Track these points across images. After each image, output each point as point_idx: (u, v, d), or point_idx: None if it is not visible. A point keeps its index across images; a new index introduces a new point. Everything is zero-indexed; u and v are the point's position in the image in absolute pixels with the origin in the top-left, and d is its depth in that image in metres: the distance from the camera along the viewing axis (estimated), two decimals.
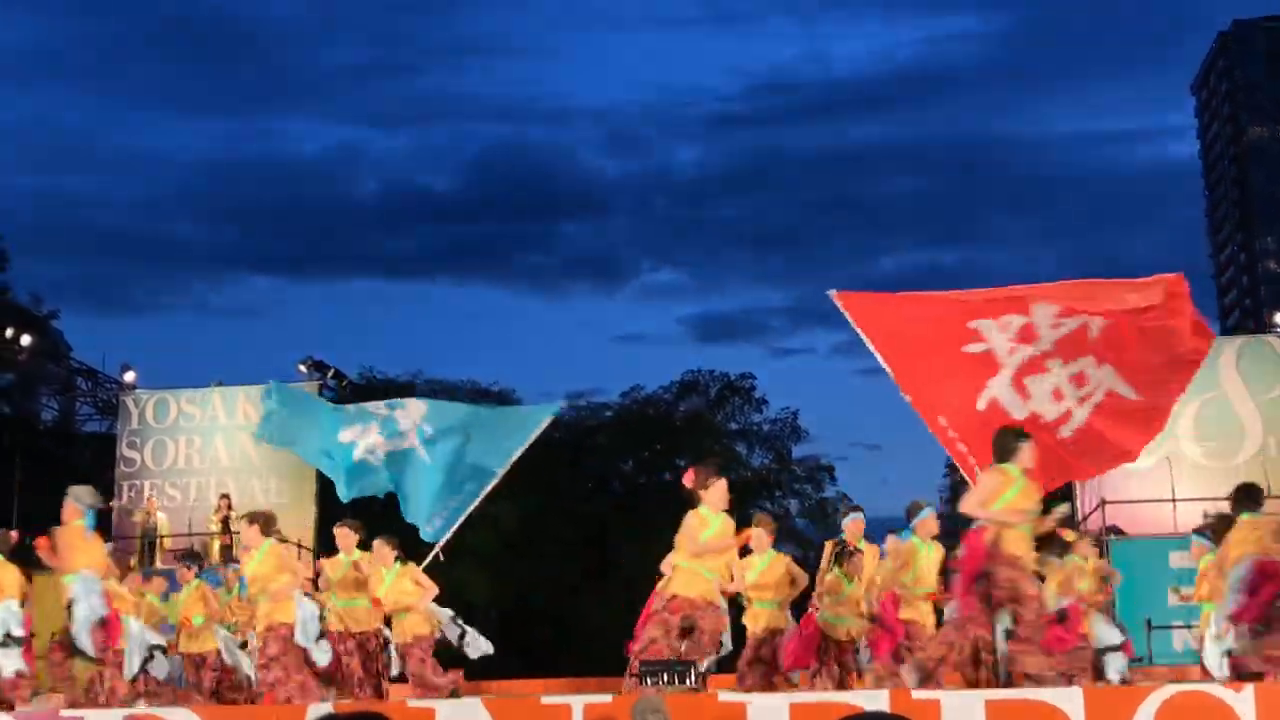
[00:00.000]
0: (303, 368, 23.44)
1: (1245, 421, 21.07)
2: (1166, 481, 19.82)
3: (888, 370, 11.06)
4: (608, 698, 7.29)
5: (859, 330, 11.15)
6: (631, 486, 39.98)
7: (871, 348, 11.10)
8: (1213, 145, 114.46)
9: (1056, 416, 10.81)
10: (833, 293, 11.25)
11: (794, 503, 40.85)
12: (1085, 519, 20.14)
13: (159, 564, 19.21)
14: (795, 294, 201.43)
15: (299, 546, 20.07)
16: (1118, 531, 19.13)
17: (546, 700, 7.27)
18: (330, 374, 23.42)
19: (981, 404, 10.71)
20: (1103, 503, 19.73)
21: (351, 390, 28.36)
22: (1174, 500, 19.47)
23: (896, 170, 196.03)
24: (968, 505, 8.41)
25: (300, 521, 21.24)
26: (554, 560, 32.85)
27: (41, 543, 10.91)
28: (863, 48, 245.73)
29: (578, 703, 7.11)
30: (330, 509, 21.55)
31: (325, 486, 19.74)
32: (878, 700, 7.02)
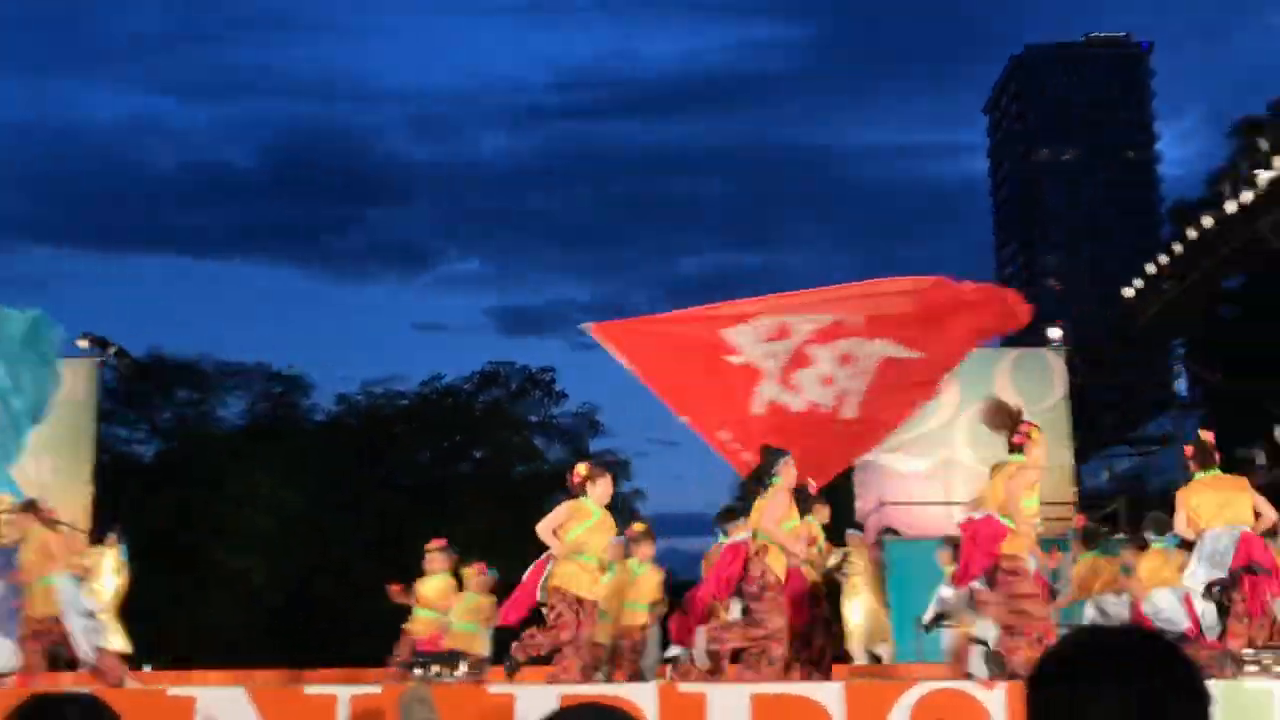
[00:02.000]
0: (82, 343, 22.45)
1: None
2: (942, 485, 20.52)
3: (658, 396, 11.15)
4: (376, 688, 7.19)
5: (622, 361, 11.15)
6: (427, 477, 39.62)
7: (638, 376, 11.14)
8: (1001, 164, 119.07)
9: (834, 402, 11.05)
10: (587, 326, 11.25)
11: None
12: (864, 520, 20.71)
13: None
14: (600, 289, 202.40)
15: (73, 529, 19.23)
16: (894, 532, 19.70)
17: (311, 690, 7.14)
18: (112, 351, 22.48)
19: (758, 408, 10.89)
20: (880, 504, 20.32)
21: (135, 369, 27.34)
22: (948, 504, 20.15)
23: (702, 172, 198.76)
24: (763, 524, 8.75)
25: (75, 502, 20.35)
26: (340, 549, 32.33)
27: None
28: (672, 48, 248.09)
29: (344, 693, 7.00)
30: (112, 490, 20.83)
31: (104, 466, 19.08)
32: (643, 694, 7.09)
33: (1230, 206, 20.40)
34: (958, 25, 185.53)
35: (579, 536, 9.08)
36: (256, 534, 31.91)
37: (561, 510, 9.35)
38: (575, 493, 9.43)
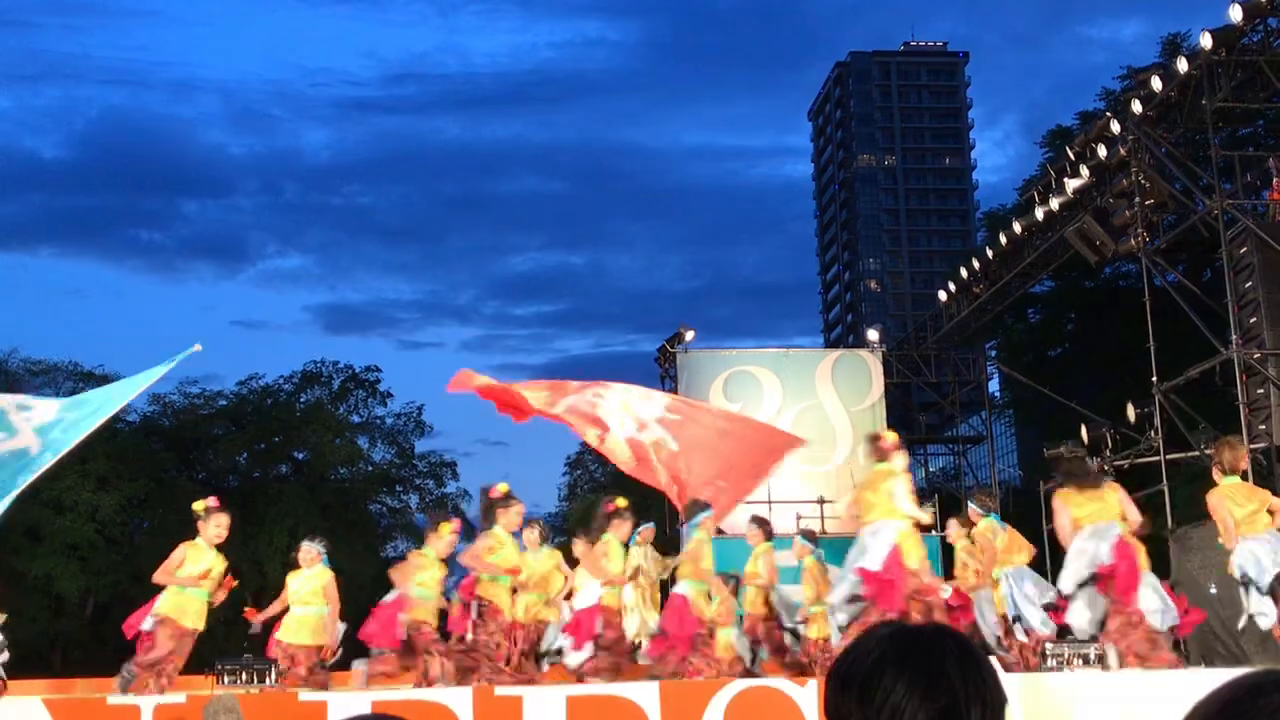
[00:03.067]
0: None
1: (837, 429, 22.45)
2: (764, 485, 20.84)
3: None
4: (181, 697, 6.96)
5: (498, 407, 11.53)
6: (246, 478, 38.70)
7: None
8: (825, 169, 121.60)
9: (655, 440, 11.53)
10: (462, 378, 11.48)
11: (414, 498, 40.65)
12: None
13: None
14: (426, 288, 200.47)
15: None
16: (718, 532, 19.90)
17: (114, 701, 6.88)
18: None
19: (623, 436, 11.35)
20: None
21: None
22: (770, 502, 20.49)
23: (529, 170, 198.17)
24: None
25: None
26: (156, 554, 31.37)
27: None
28: (501, 44, 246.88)
29: (148, 703, 6.77)
30: None
31: None
32: (459, 697, 7.02)
33: (1039, 213, 21.15)
34: (785, 31, 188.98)
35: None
36: (69, 540, 30.81)
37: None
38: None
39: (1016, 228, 22.04)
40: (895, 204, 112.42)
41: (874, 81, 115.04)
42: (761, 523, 13.07)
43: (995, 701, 1.72)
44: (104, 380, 38.24)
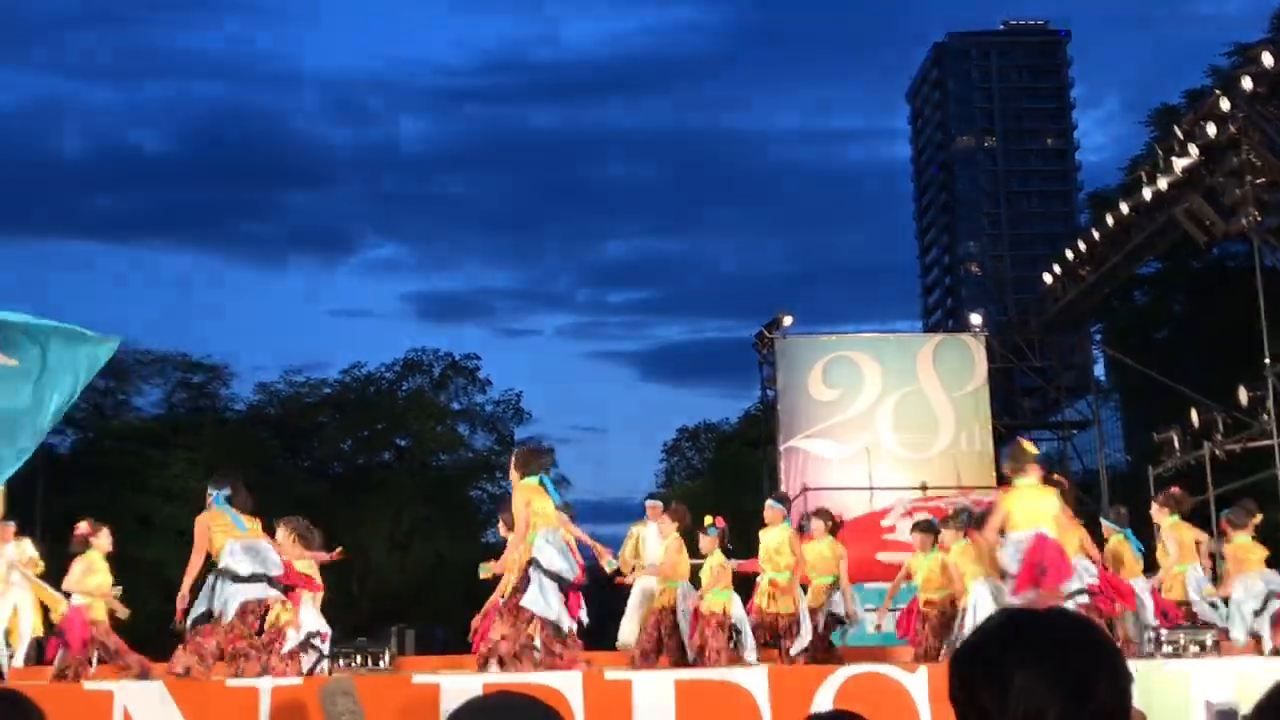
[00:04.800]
0: None
1: (939, 415, 22.21)
2: (865, 469, 20.73)
3: None
4: (297, 680, 7.11)
5: None
6: (350, 466, 39.32)
7: None
8: (924, 151, 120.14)
9: None
10: None
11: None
12: (789, 504, 20.86)
13: None
14: (522, 275, 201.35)
15: None
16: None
17: (233, 684, 7.05)
18: None
19: None
20: (805, 489, 20.47)
21: None
22: (871, 489, 20.38)
23: (624, 156, 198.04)
24: None
25: None
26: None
27: None
28: (593, 31, 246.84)
29: (265, 686, 6.92)
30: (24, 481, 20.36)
31: None
32: (570, 681, 7.09)
33: (1146, 193, 20.72)
34: (880, 12, 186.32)
35: None
36: (178, 527, 31.47)
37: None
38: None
39: (1123, 208, 21.59)
40: (995, 186, 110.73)
41: (973, 61, 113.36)
42: (823, 514, 12.98)
43: (1121, 677, 1.72)
44: (212, 370, 39.08)
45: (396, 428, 40.02)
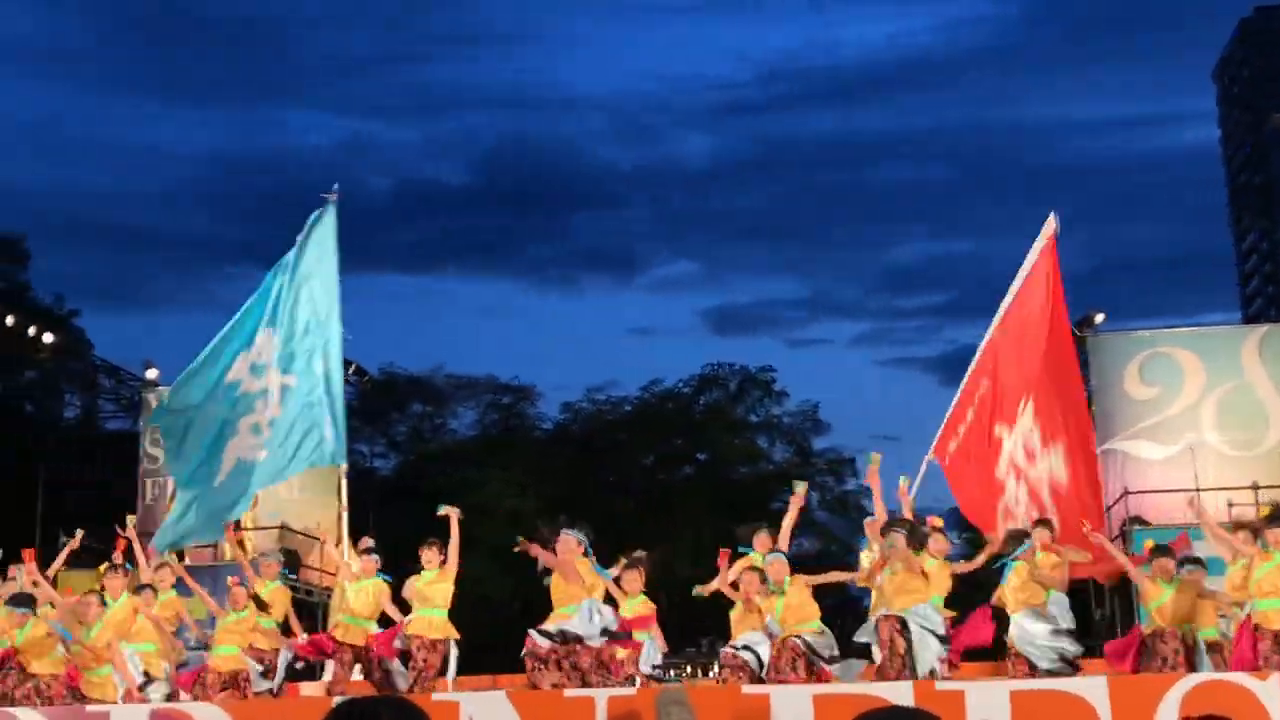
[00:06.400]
0: None
1: (1268, 410, 20.94)
2: (1189, 471, 19.72)
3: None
4: (631, 690, 7.28)
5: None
6: (652, 480, 39.95)
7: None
8: (1233, 133, 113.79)
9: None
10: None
11: (815, 495, 40.74)
12: (1108, 510, 20.04)
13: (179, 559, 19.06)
14: (810, 284, 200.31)
15: (322, 543, 19.99)
16: (1141, 522, 18.98)
17: (570, 694, 7.27)
18: (351, 369, 23.31)
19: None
20: (1125, 493, 19.65)
21: (373, 386, 28.21)
22: (1197, 490, 19.32)
23: (909, 157, 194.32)
24: None
25: (328, 516, 21.06)
26: None
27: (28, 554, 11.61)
28: (872, 33, 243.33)
29: (601, 696, 7.12)
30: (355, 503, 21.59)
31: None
32: (901, 692, 7.00)
33: None
34: None
35: None
36: (494, 543, 32.69)
37: None
38: None
39: None
40: None
41: None
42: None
43: None
44: (520, 391, 40.48)
45: (696, 442, 40.40)
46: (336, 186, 13.54)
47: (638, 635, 9.91)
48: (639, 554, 11.90)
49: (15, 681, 10.88)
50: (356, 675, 11.63)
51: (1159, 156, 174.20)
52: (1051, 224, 13.63)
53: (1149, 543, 12.27)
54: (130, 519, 13.49)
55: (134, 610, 11.79)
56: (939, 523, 10.97)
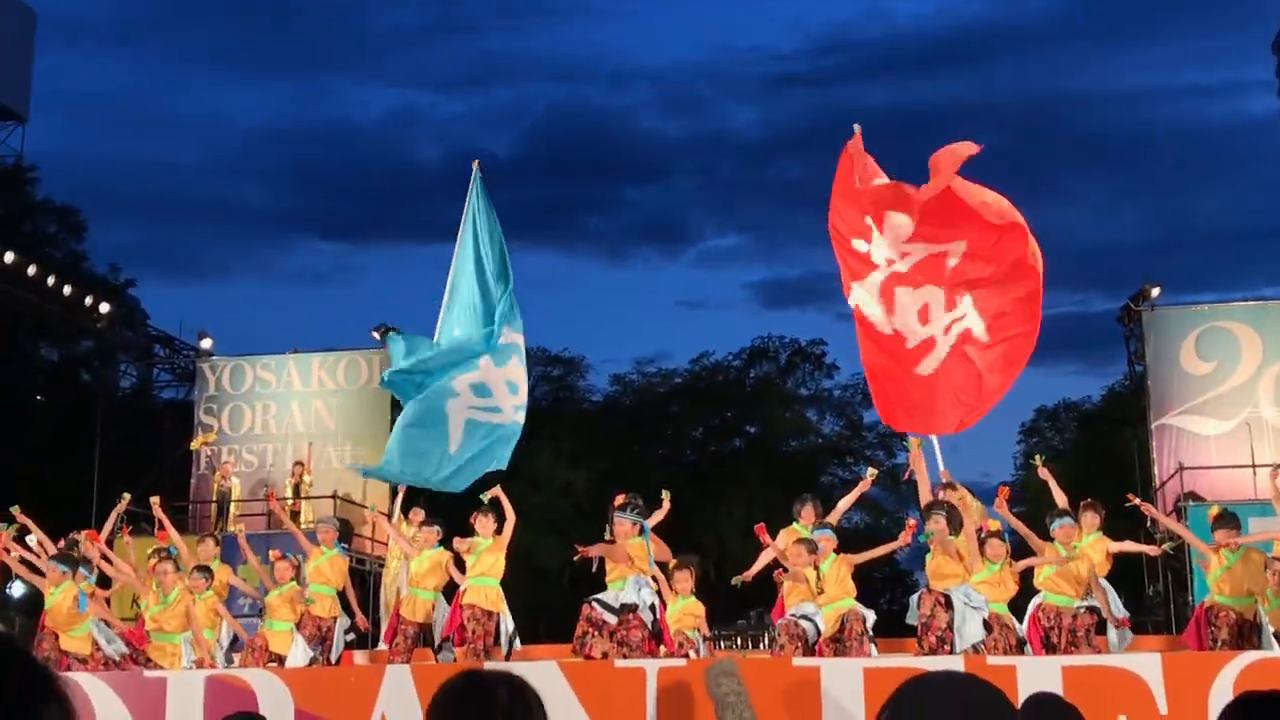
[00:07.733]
0: (375, 334, 23.40)
1: None
2: (1245, 447, 19.48)
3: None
4: (682, 662, 7.30)
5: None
6: (702, 453, 39.96)
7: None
8: None
9: (918, 343, 10.57)
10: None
11: (865, 469, 40.57)
12: (1163, 485, 19.84)
13: (230, 529, 19.17)
14: None
15: (382, 515, 20.10)
16: (1196, 498, 18.78)
17: (620, 664, 7.31)
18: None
19: (851, 302, 10.68)
20: (1180, 469, 19.44)
21: None
22: (1254, 466, 19.10)
23: (964, 129, 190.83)
24: None
25: (378, 488, 21.14)
26: None
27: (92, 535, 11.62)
28: (927, 4, 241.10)
29: (652, 667, 7.14)
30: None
31: None
32: (953, 666, 6.98)
33: None
34: None
35: None
36: (547, 515, 32.82)
37: None
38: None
39: None
40: None
41: None
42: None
43: None
44: (570, 364, 40.56)
45: (746, 415, 40.36)
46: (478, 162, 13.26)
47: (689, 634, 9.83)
48: (690, 556, 11.78)
49: (49, 647, 10.62)
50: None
51: (1218, 127, 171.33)
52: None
53: (1214, 509, 11.67)
54: (154, 500, 13.17)
55: (187, 609, 11.52)
56: (996, 526, 10.38)
